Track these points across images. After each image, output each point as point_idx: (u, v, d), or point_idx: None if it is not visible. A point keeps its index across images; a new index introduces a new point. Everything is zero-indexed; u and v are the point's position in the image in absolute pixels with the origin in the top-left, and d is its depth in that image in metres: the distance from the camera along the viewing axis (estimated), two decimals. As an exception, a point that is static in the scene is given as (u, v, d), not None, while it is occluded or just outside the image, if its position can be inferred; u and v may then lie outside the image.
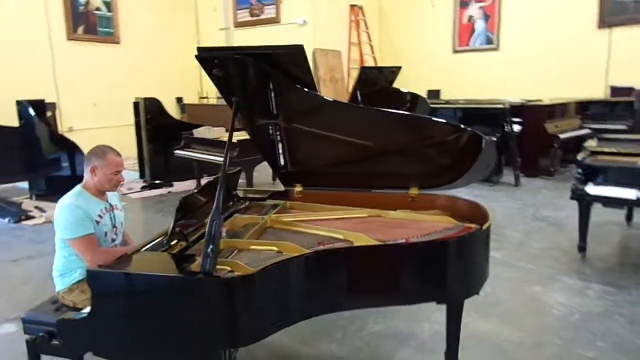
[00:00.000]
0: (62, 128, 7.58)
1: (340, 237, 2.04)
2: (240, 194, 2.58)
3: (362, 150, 2.35)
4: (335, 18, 9.03)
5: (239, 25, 9.30)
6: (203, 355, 1.56)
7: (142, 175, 6.64)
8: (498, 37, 8.96)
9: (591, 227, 3.67)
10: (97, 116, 8.13)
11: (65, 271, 2.20)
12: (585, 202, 3.54)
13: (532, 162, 6.53)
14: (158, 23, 9.18)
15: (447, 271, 1.87)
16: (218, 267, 1.70)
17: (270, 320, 1.62)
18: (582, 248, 3.70)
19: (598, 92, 7.84)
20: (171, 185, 6.37)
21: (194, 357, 1.57)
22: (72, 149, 5.43)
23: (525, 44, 8.59)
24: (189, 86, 9.83)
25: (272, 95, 2.15)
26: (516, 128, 6.53)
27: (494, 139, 6.08)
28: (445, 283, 1.89)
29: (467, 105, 7.12)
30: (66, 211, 2.15)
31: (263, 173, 5.98)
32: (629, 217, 4.46)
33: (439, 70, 9.54)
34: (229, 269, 1.71)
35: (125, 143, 6.52)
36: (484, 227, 1.98)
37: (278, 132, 2.39)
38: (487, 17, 9.02)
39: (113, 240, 2.31)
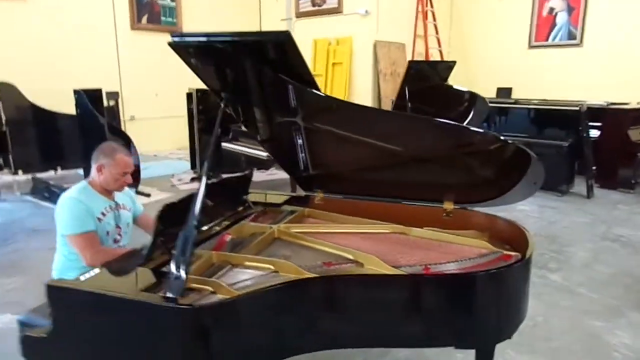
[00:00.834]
0: (124, 117, 7.80)
1: (351, 257, 1.78)
2: (256, 198, 2.38)
3: (391, 156, 2.06)
4: (401, 8, 8.59)
5: (300, 15, 9.14)
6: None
7: (193, 166, 6.67)
8: (582, 31, 8.10)
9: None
10: (158, 106, 8.30)
11: (63, 270, 2.12)
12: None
13: (610, 173, 5.81)
14: (219, 13, 9.19)
15: (473, 311, 1.56)
16: (198, 286, 1.52)
17: (251, 357, 1.40)
18: (660, 278, 3.17)
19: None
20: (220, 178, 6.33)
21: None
22: (125, 139, 5.51)
23: (613, 41, 7.68)
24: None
25: (272, 91, 1.91)
26: (593, 133, 5.84)
27: (565, 144, 5.48)
28: (470, 326, 1.57)
29: (538, 105, 6.49)
30: (67, 205, 2.07)
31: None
32: None
33: (512, 66, 8.82)
34: (210, 289, 1.51)
35: (184, 133, 6.60)
36: (526, 256, 1.63)
37: (298, 132, 2.15)
38: (571, 9, 8.18)
39: (116, 241, 2.20)
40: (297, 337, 1.45)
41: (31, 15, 6.75)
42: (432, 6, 8.94)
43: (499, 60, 8.95)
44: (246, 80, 1.88)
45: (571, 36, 8.26)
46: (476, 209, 2.04)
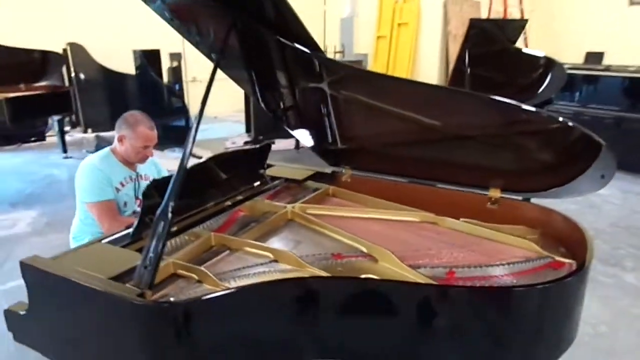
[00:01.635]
0: (187, 78, 7.83)
1: (364, 249, 1.53)
2: (277, 173, 2.18)
3: (429, 132, 1.76)
4: (478, -38, 7.82)
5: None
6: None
7: (248, 130, 6.60)
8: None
9: None
10: (219, 67, 8.26)
11: (78, 234, 2.11)
12: None
13: None
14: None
15: (499, 337, 1.25)
16: (185, 273, 1.35)
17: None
18: None
19: None
20: (273, 143, 6.21)
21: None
22: (181, 102, 5.52)
23: None
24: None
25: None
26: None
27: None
28: (501, 353, 1.27)
29: (635, 74, 5.62)
30: (87, 173, 2.04)
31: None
32: None
33: (606, 28, 7.76)
34: (196, 278, 1.34)
35: (242, 97, 6.51)
36: (584, 265, 1.30)
37: (324, 101, 1.89)
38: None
39: (134, 212, 2.13)
40: (275, 349, 1.25)
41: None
42: (514, -42, 8.06)
43: (590, 20, 7.91)
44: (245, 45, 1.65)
45: (683, -9, 7.11)
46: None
